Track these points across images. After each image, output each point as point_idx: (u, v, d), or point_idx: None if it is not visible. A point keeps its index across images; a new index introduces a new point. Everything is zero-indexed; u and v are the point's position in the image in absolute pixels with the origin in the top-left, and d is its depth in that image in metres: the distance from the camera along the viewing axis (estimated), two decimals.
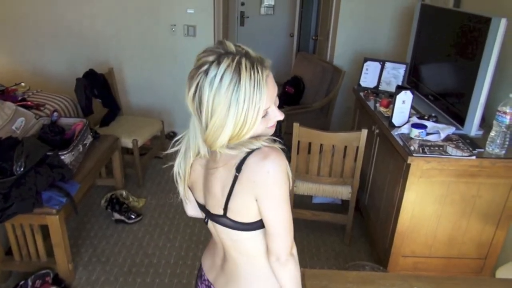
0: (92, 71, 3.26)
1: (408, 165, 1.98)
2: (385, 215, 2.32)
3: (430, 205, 2.07)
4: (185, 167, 1.04)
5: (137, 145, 3.15)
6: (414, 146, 2.00)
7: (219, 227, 1.02)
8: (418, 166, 1.97)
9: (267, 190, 0.91)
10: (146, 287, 2.32)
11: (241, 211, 0.95)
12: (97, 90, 3.26)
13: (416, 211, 2.08)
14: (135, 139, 3.13)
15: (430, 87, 2.57)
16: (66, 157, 2.33)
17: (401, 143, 2.07)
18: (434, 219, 2.10)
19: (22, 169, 2.09)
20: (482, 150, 1.99)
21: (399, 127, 2.22)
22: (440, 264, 2.22)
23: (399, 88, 2.21)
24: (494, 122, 1.94)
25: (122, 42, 3.91)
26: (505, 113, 1.88)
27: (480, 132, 2.16)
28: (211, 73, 0.84)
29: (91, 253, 2.57)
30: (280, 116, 0.95)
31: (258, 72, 0.85)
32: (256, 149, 0.91)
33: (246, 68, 0.83)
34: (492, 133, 1.95)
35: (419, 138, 2.08)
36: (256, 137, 0.92)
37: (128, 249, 2.63)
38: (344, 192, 2.55)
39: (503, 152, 1.95)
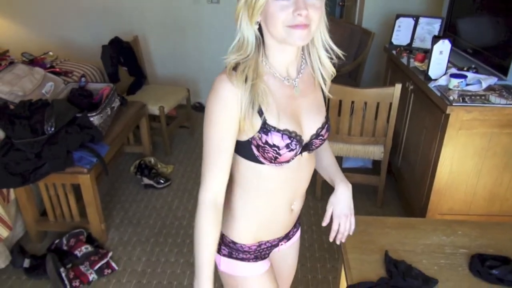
0: (117, 39, 3.25)
1: (447, 117, 1.88)
2: (421, 173, 2.22)
3: (469, 159, 1.97)
4: None
5: (164, 112, 3.14)
6: (453, 96, 1.89)
7: None
8: (457, 117, 1.86)
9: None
10: (177, 246, 2.33)
11: None
12: (123, 57, 3.26)
13: (455, 166, 1.98)
14: (161, 105, 3.12)
15: (469, 40, 2.41)
16: (95, 119, 2.33)
17: (438, 94, 1.96)
18: (473, 174, 2.00)
19: (52, 128, 2.11)
20: None
21: (435, 79, 2.11)
22: None
23: (436, 38, 2.09)
24: None
25: (145, 13, 3.87)
26: None
27: None
28: None
29: (123, 216, 2.60)
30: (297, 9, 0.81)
31: None
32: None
33: None
34: None
35: (459, 88, 1.96)
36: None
37: (158, 212, 2.64)
38: (376, 151, 2.46)
39: None
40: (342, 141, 2.48)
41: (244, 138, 0.92)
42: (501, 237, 1.29)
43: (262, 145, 0.91)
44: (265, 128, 0.90)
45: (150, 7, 3.85)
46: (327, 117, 1.02)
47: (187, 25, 3.91)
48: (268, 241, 1.08)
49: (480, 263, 1.15)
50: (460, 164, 1.98)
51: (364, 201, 2.69)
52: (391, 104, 2.29)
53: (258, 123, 0.89)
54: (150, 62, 4.00)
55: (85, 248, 2.18)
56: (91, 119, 2.32)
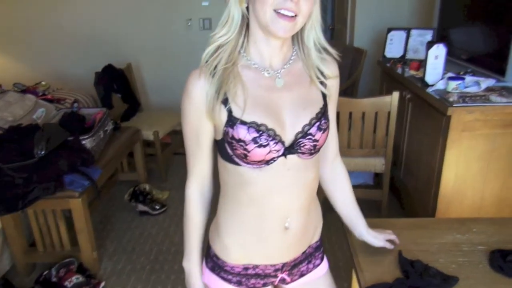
0: (110, 66, 3.24)
1: (448, 119, 1.83)
2: (425, 181, 2.14)
3: (474, 162, 1.90)
4: None
5: (158, 137, 3.08)
6: (453, 98, 1.85)
7: None
8: (459, 118, 1.81)
9: None
10: (174, 273, 2.20)
11: None
12: (116, 84, 3.24)
13: (460, 170, 1.91)
14: (156, 130, 3.07)
15: (462, 47, 2.41)
16: (87, 142, 2.27)
17: (438, 97, 1.92)
18: (480, 178, 1.93)
19: (42, 152, 2.04)
20: None
21: (433, 85, 2.07)
22: None
23: (431, 43, 2.07)
24: None
25: (139, 41, 3.91)
26: None
27: None
28: None
29: (116, 244, 2.47)
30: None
31: None
32: None
33: None
34: None
35: (457, 90, 1.93)
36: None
37: (154, 238, 2.52)
38: (377, 164, 2.39)
39: None
40: (342, 155, 2.39)
41: (220, 136, 0.87)
42: None
43: (230, 140, 0.84)
44: (231, 121, 0.83)
45: (143, 34, 3.89)
46: (321, 116, 0.88)
47: (180, 51, 3.93)
48: (257, 267, 0.96)
49: (501, 258, 1.06)
50: (465, 168, 1.91)
51: (366, 217, 2.57)
52: (389, 113, 2.24)
53: (224, 115, 0.84)
54: (144, 89, 3.99)
55: (76, 279, 2.04)
56: (83, 142, 2.25)
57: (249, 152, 0.82)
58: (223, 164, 0.90)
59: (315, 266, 1.05)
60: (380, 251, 1.15)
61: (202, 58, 0.87)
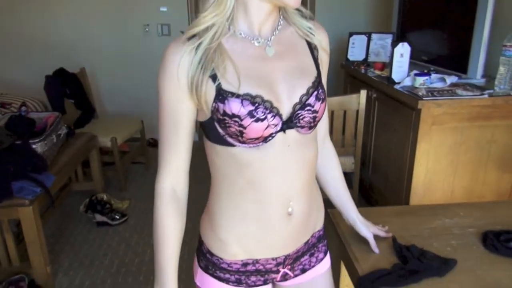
0: (62, 70, 3.03)
1: (418, 113, 1.85)
2: (396, 178, 2.15)
3: (444, 156, 1.93)
4: None
5: (117, 143, 2.89)
6: (422, 92, 1.88)
7: None
8: (429, 112, 1.83)
9: None
10: (139, 285, 2.03)
11: None
12: (69, 89, 3.02)
13: (431, 164, 1.93)
14: (114, 136, 2.88)
15: (422, 49, 2.48)
16: (38, 146, 2.07)
17: (406, 93, 1.94)
18: (450, 171, 1.96)
19: None
20: (492, 91, 1.88)
21: (399, 82, 2.10)
22: None
23: (395, 42, 2.11)
24: (501, 59, 1.85)
25: (93, 46, 3.70)
26: (511, 46, 1.79)
27: (483, 80, 2.06)
28: None
29: (72, 258, 2.26)
30: None
31: None
32: None
33: None
34: (501, 70, 1.85)
35: (425, 86, 1.96)
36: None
37: (114, 250, 2.33)
38: (347, 163, 2.37)
39: None
40: None
41: (208, 115, 0.76)
42: (503, 213, 1.20)
43: (222, 118, 0.73)
44: (221, 96, 0.73)
45: (97, 39, 3.70)
46: (317, 85, 0.80)
47: (138, 58, 3.77)
48: (258, 261, 0.85)
49: (495, 238, 1.04)
50: (435, 161, 1.93)
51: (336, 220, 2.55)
52: (357, 112, 2.25)
53: (212, 90, 0.73)
54: (99, 95, 3.77)
55: None
56: (34, 146, 2.05)
57: (245, 128, 0.72)
58: (212, 148, 0.80)
59: (318, 261, 0.96)
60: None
61: (184, 33, 0.76)
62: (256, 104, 0.73)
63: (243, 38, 0.78)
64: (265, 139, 0.75)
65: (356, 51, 2.86)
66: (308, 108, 0.78)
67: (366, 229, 1.06)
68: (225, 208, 0.82)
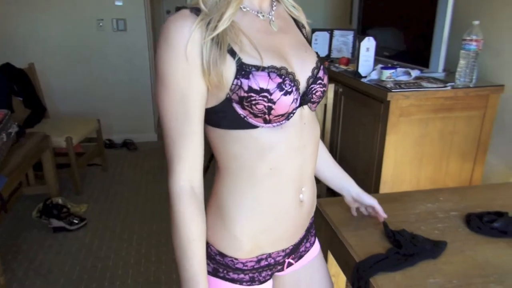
0: (8, 64, 2.80)
1: (387, 105, 1.89)
2: (364, 171, 2.19)
3: (411, 148, 1.99)
4: None
5: (72, 143, 2.72)
6: (390, 85, 1.92)
7: None
8: (397, 103, 1.88)
9: None
10: None
11: None
12: (17, 86, 2.80)
13: (399, 156, 1.98)
14: (69, 136, 2.70)
15: (384, 45, 2.55)
16: None
17: (375, 86, 1.98)
18: (416, 162, 2.02)
19: None
20: (453, 83, 1.97)
21: (365, 76, 2.14)
22: None
23: (361, 36, 2.15)
24: (461, 53, 1.93)
25: (43, 40, 3.47)
26: (471, 40, 1.88)
27: (443, 74, 2.15)
28: None
29: (27, 267, 2.08)
30: None
31: None
32: None
33: None
34: (461, 63, 1.94)
35: (391, 79, 2.01)
36: None
37: (74, 256, 2.17)
38: None
39: (474, 81, 1.95)
40: None
41: (222, 97, 0.68)
42: (480, 197, 1.25)
43: (246, 95, 0.65)
44: (244, 71, 0.66)
45: (47, 34, 3.46)
46: (319, 59, 0.80)
47: (91, 54, 3.59)
48: (270, 255, 0.80)
49: (478, 220, 1.07)
50: (403, 153, 1.98)
51: None
52: (325, 106, 2.26)
53: (232, 67, 0.66)
54: (51, 94, 3.53)
55: None
56: None
57: (274, 103, 0.67)
58: (226, 136, 0.71)
59: (311, 245, 0.94)
60: (362, 225, 1.09)
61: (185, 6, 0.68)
62: (283, 76, 0.68)
63: (248, 12, 0.74)
64: (288, 116, 0.70)
65: (319, 48, 2.89)
66: (319, 81, 0.77)
67: (370, 197, 1.06)
68: (241, 201, 0.74)
